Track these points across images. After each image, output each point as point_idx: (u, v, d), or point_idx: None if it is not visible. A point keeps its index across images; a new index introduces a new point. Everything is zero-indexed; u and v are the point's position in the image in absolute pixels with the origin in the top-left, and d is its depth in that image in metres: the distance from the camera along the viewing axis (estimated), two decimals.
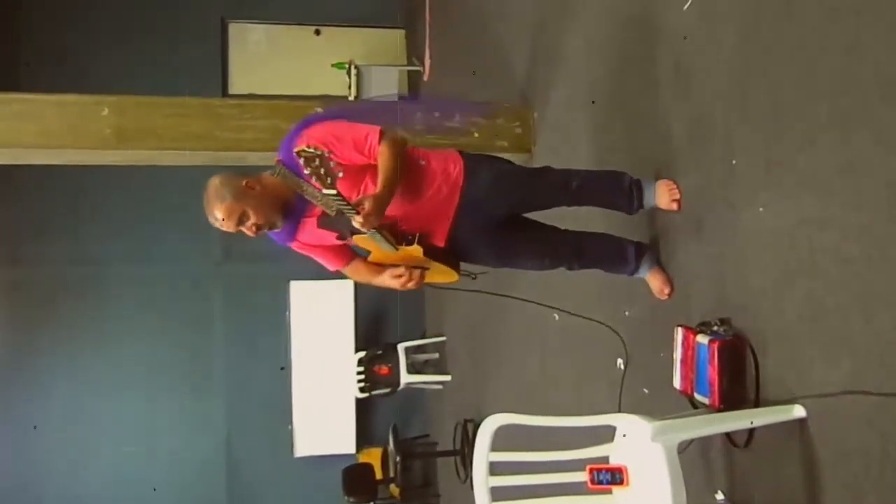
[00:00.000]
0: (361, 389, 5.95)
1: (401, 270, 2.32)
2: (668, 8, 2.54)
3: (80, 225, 6.08)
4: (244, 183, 2.15)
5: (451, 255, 2.38)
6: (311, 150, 1.67)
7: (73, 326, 6.10)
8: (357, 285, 6.05)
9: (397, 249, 2.21)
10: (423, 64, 6.47)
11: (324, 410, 6.19)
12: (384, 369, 5.92)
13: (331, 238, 2.26)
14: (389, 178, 2.08)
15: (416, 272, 2.33)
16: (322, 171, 1.70)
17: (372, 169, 2.16)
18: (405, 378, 5.84)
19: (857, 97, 1.70)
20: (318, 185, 1.76)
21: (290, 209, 2.23)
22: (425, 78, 6.38)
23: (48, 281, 6.08)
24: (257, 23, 7.21)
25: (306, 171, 1.71)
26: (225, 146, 3.44)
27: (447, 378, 5.77)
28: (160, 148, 3.39)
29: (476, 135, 3.70)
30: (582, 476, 1.94)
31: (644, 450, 1.87)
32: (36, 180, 5.76)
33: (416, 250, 2.23)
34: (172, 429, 6.21)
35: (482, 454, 2.03)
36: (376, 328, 6.45)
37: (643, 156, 2.70)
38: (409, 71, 6.87)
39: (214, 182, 2.16)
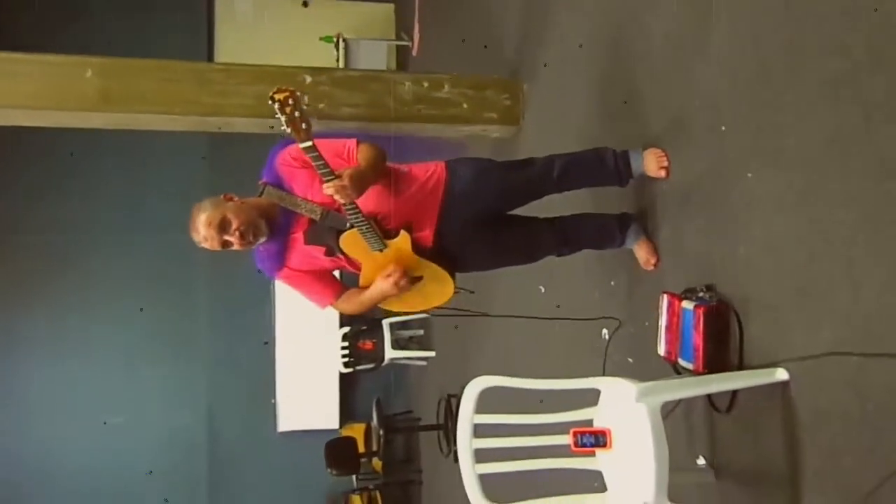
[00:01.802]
0: (345, 364, 5.95)
1: (390, 269, 2.20)
2: None
3: (61, 192, 5.99)
4: (222, 196, 2.18)
5: (441, 258, 2.31)
6: (282, 90, 1.66)
7: (52, 296, 6.03)
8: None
9: (385, 246, 2.19)
10: (411, 38, 6.42)
11: (307, 385, 6.19)
12: (368, 344, 5.92)
13: (320, 257, 2.24)
14: (371, 162, 2.08)
15: (405, 261, 2.22)
16: (297, 114, 1.69)
17: None
18: (389, 354, 5.85)
19: (847, 64, 1.71)
20: (295, 137, 1.75)
21: (276, 228, 2.20)
22: (414, 53, 6.34)
23: (27, 248, 5.99)
24: None
25: (282, 119, 1.70)
26: (211, 111, 3.39)
27: (431, 354, 5.78)
28: (145, 111, 3.34)
29: (465, 106, 3.67)
30: (566, 439, 1.95)
31: (628, 412, 1.88)
32: (16, 145, 5.66)
33: (403, 241, 2.20)
34: (153, 402, 6.17)
35: (467, 416, 2.04)
36: None
37: (633, 125, 2.70)
38: (397, 45, 6.82)
39: (195, 206, 2.17)
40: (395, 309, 2.45)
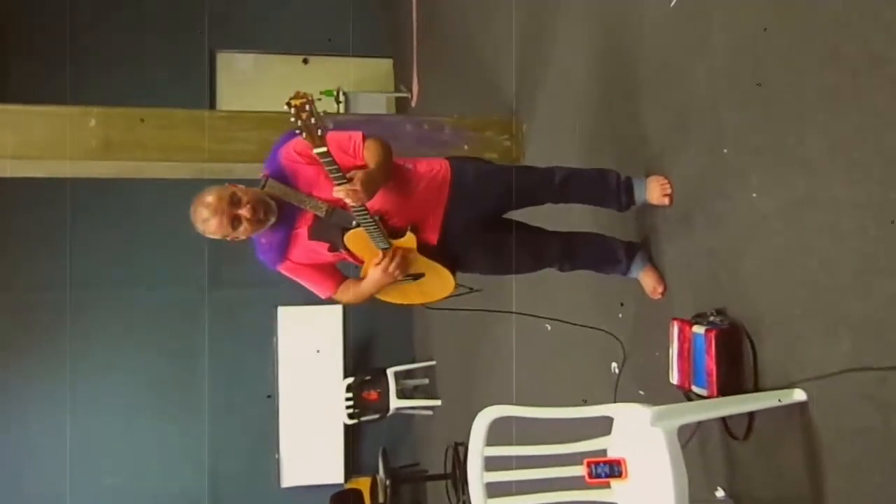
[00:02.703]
0: (350, 416, 5.86)
1: (378, 258, 2.19)
2: (653, 6, 2.57)
3: (65, 248, 6.00)
4: (226, 184, 2.14)
5: (444, 257, 2.34)
6: (299, 96, 1.67)
7: (54, 352, 5.99)
8: (346, 310, 6.00)
9: (391, 245, 2.18)
10: (410, 90, 6.53)
11: (311, 438, 6.09)
12: (373, 395, 5.84)
13: (323, 252, 2.24)
14: (380, 162, 2.07)
15: (398, 251, 2.22)
16: (312, 120, 1.69)
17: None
18: (395, 403, 5.76)
19: (845, 74, 1.71)
20: (310, 143, 1.75)
21: (279, 222, 2.19)
22: (413, 103, 6.44)
23: (31, 305, 5.98)
24: (245, 52, 7.28)
25: (297, 124, 1.70)
26: (212, 157, 3.42)
27: (437, 403, 5.69)
28: (146, 159, 3.36)
29: (466, 147, 3.70)
30: (579, 470, 1.89)
31: (643, 438, 1.82)
32: (20, 201, 5.71)
33: (409, 241, 2.20)
34: (154, 459, 6.06)
35: (477, 448, 1.97)
36: (365, 353, 6.38)
37: (634, 156, 2.70)
38: (396, 97, 6.93)
39: (197, 195, 2.12)
40: (394, 301, 2.43)
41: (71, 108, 3.35)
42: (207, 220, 2.07)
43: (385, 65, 7.45)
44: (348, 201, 1.96)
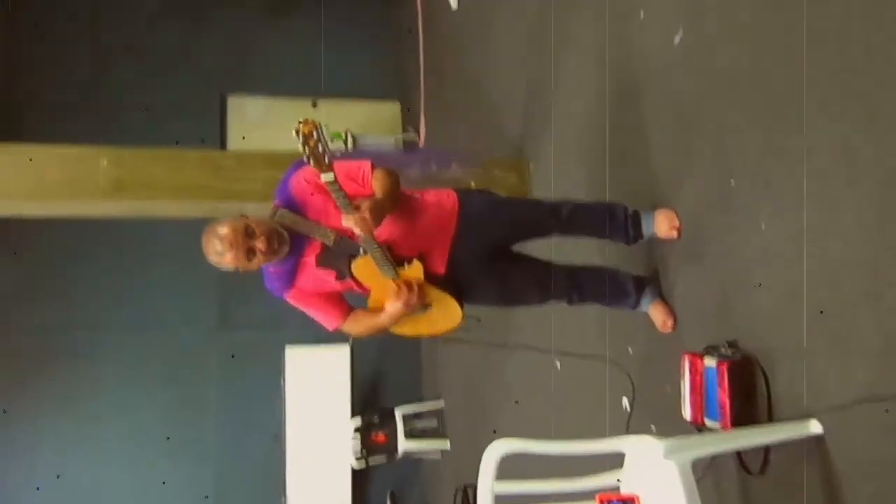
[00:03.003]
0: (357, 458, 5.77)
1: (394, 287, 2.18)
2: (657, 44, 2.61)
3: (72, 290, 6.02)
4: (237, 215, 2.14)
5: (451, 287, 2.33)
6: (307, 123, 1.69)
7: (59, 394, 5.94)
8: (354, 348, 5.97)
9: (398, 274, 2.18)
10: (418, 132, 6.60)
11: (318, 481, 5.98)
12: (381, 436, 5.76)
13: (330, 280, 2.24)
14: (388, 191, 2.09)
15: (415, 283, 2.20)
16: (320, 147, 1.71)
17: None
18: (403, 445, 5.68)
19: (851, 103, 1.72)
20: (317, 170, 1.77)
21: (288, 250, 2.19)
22: (420, 145, 6.50)
23: (36, 347, 5.96)
24: (256, 96, 7.39)
25: (304, 151, 1.72)
26: (224, 196, 3.44)
27: (446, 445, 5.61)
28: (157, 198, 3.39)
29: (473, 184, 3.71)
30: None
31: (656, 472, 1.79)
32: (28, 244, 5.75)
33: (416, 270, 2.20)
34: (160, 502, 5.97)
35: (486, 483, 1.94)
36: (373, 393, 6.31)
37: (641, 191, 2.70)
38: (404, 139, 7.00)
39: (208, 226, 2.13)
40: (401, 333, 2.41)
41: (83, 148, 3.39)
42: (222, 253, 2.06)
43: (393, 107, 7.54)
44: (356, 230, 1.97)
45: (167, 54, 6.68)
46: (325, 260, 2.19)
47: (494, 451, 1.96)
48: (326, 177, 1.83)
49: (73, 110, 6.00)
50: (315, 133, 1.72)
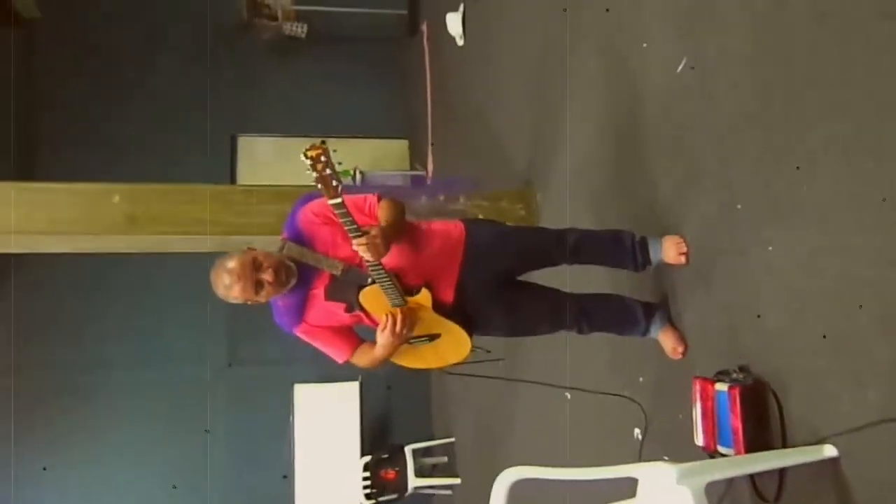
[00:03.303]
0: (367, 496, 5.70)
1: (383, 319, 2.15)
2: (659, 73, 2.65)
3: (82, 328, 6.06)
4: (244, 249, 2.16)
5: (460, 317, 2.33)
6: (315, 147, 1.71)
7: (68, 432, 5.95)
8: (363, 385, 5.94)
9: (405, 302, 2.19)
10: (425, 168, 6.67)
11: None
12: (391, 474, 5.70)
13: (339, 313, 2.24)
14: (394, 219, 2.11)
15: (405, 311, 2.18)
16: (328, 171, 1.73)
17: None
18: (413, 482, 5.62)
19: (853, 123, 1.74)
20: (325, 194, 1.78)
21: (296, 284, 2.20)
22: (428, 181, 6.56)
23: (47, 385, 5.98)
24: (265, 136, 7.51)
25: (314, 176, 1.74)
26: (233, 230, 3.48)
27: (457, 481, 5.54)
28: (169, 233, 3.43)
29: (481, 216, 3.74)
30: None
31: (669, 499, 1.76)
32: (39, 282, 5.80)
33: (424, 298, 2.20)
34: None
35: None
36: (382, 430, 6.27)
37: (648, 217, 2.72)
38: (412, 175, 7.07)
39: (217, 261, 2.14)
40: (410, 365, 2.39)
41: (96, 184, 3.45)
42: (230, 286, 2.08)
43: (400, 145, 7.64)
44: (364, 254, 1.98)
45: (181, 95, 6.81)
46: (333, 291, 2.20)
47: (506, 478, 1.94)
48: (334, 201, 1.85)
49: (85, 149, 6.11)
50: (323, 157, 1.75)
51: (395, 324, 2.16)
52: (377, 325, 2.26)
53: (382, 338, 2.20)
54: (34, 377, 5.94)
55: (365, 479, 5.71)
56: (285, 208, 3.50)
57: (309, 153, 1.75)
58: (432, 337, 2.32)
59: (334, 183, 1.80)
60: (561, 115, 3.65)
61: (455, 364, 2.46)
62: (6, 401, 5.85)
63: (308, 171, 1.77)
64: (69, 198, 3.40)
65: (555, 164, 3.73)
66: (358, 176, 6.85)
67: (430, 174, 6.55)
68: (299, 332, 2.29)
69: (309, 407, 6.04)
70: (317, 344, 2.32)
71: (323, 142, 1.85)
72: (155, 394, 6.14)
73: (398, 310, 2.18)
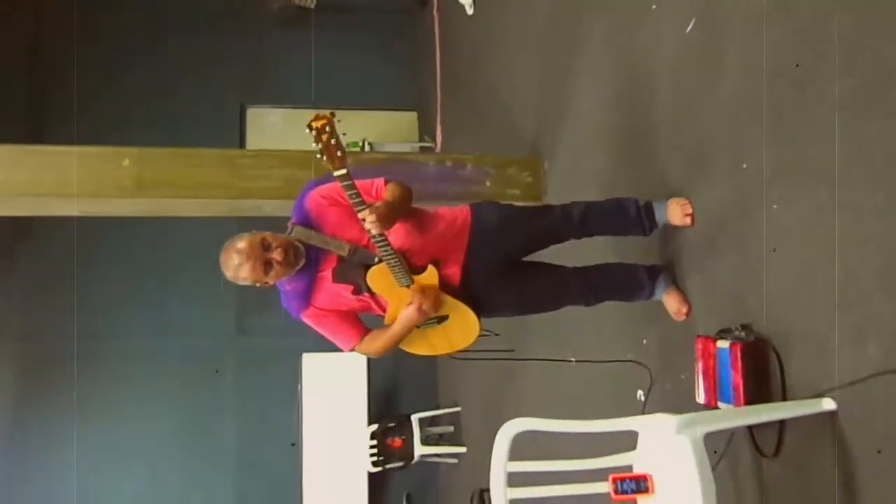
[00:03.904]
0: (374, 463, 5.77)
1: (412, 296, 2.19)
2: (668, 35, 2.63)
3: (92, 298, 6.10)
4: (252, 231, 2.17)
5: (468, 300, 2.31)
6: (319, 118, 1.71)
7: (79, 400, 6.01)
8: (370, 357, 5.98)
9: (413, 281, 2.19)
10: (434, 140, 6.66)
11: (335, 487, 5.98)
12: (397, 442, 5.76)
13: (347, 295, 2.25)
14: (400, 197, 2.12)
15: (429, 291, 2.22)
16: (332, 142, 1.73)
17: None
18: (419, 450, 5.67)
19: (860, 84, 1.73)
20: (329, 165, 1.79)
21: (304, 267, 2.21)
22: (437, 151, 6.54)
23: (56, 354, 6.04)
24: (274, 107, 7.49)
25: (318, 147, 1.74)
26: (241, 194, 3.50)
27: (462, 450, 5.60)
28: (177, 196, 3.45)
29: (488, 184, 3.75)
30: (604, 487, 1.85)
31: (669, 450, 1.78)
32: (48, 250, 5.85)
33: (430, 277, 2.20)
34: None
35: (500, 462, 1.95)
36: (389, 400, 6.33)
37: (654, 184, 2.71)
38: (421, 147, 7.06)
39: (226, 243, 2.15)
40: (420, 352, 2.40)
41: (105, 148, 3.47)
42: (240, 265, 2.09)
43: (410, 117, 7.61)
44: (370, 226, 1.98)
45: (190, 65, 6.80)
46: (341, 273, 2.20)
47: (509, 430, 1.96)
48: (339, 172, 1.85)
49: (95, 115, 6.12)
50: (328, 128, 1.74)
51: (422, 296, 2.17)
52: (384, 311, 2.27)
53: (407, 311, 2.20)
54: (45, 343, 6.01)
55: (372, 447, 5.77)
56: (293, 172, 3.56)
57: (313, 124, 1.74)
58: (441, 318, 2.30)
59: (339, 153, 1.80)
60: (568, 82, 3.64)
61: (465, 348, 2.44)
62: (13, 368, 5.95)
63: (313, 143, 1.77)
64: (79, 160, 3.42)
65: (562, 132, 3.72)
66: (366, 148, 6.84)
67: (439, 146, 6.54)
68: (307, 317, 2.29)
69: (317, 376, 6.09)
70: (324, 330, 2.32)
71: (333, 113, 1.84)
72: (164, 363, 6.20)
73: (424, 287, 2.19)
